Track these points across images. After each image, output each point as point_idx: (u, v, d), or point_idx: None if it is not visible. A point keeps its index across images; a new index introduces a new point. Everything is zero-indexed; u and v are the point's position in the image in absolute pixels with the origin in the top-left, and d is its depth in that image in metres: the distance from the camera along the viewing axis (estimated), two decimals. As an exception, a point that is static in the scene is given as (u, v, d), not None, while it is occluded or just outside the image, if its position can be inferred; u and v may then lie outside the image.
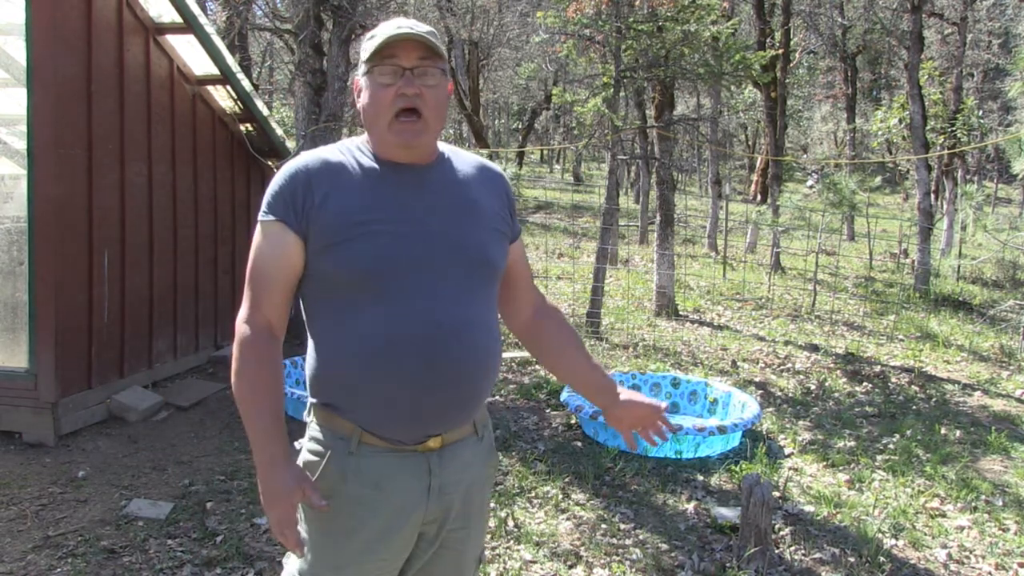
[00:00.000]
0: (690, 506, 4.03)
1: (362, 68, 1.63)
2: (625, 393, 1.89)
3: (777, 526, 3.78)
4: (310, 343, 1.65)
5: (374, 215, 1.58)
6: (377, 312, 1.56)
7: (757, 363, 7.16)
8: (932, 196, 13.46)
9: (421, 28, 1.61)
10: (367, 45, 1.62)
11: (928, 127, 14.11)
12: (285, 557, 1.76)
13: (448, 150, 1.75)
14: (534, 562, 3.38)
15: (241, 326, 1.61)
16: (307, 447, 1.66)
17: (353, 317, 1.57)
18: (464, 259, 1.63)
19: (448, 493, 1.66)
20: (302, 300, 1.67)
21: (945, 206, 17.20)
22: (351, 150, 1.66)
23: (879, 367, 7.13)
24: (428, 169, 1.67)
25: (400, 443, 1.61)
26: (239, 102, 6.36)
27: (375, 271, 1.55)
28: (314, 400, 1.67)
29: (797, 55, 22.05)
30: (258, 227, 1.63)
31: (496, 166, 1.83)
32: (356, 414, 1.60)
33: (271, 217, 1.60)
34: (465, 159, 1.77)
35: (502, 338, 1.85)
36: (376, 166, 1.64)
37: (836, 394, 6.31)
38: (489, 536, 3.58)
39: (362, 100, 1.63)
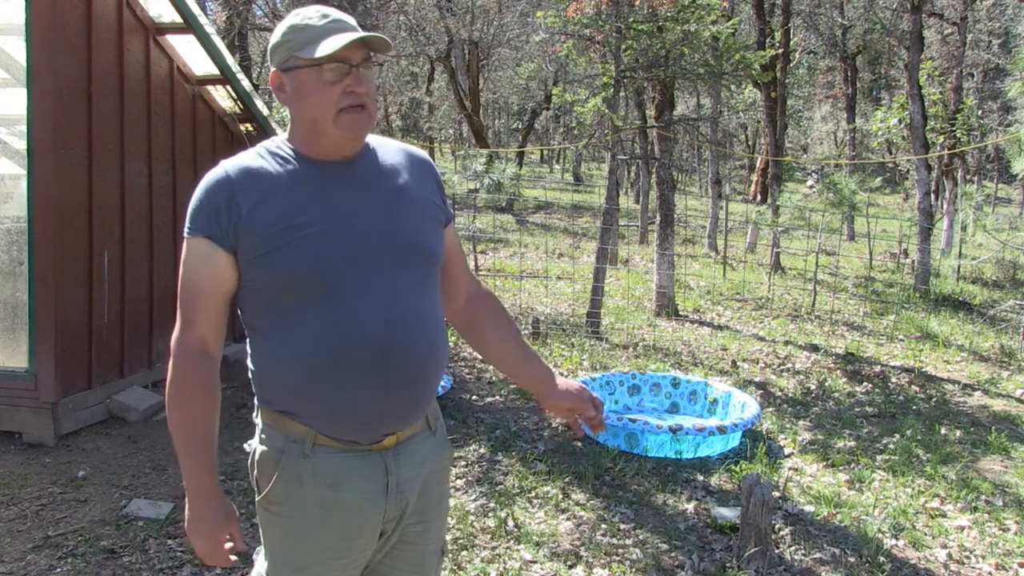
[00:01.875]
0: (690, 506, 4.03)
1: (292, 62, 1.56)
2: (564, 383, 1.88)
3: (777, 526, 3.78)
4: (251, 350, 1.62)
5: (306, 217, 1.53)
6: (322, 315, 1.53)
7: (757, 363, 7.16)
8: (932, 196, 13.46)
9: (350, 20, 1.58)
10: (304, 36, 1.55)
11: (928, 127, 14.12)
12: (255, 552, 1.76)
13: (372, 140, 1.70)
14: (534, 562, 3.38)
15: (175, 347, 1.58)
16: (259, 450, 1.63)
17: (298, 322, 1.54)
18: (403, 251, 1.60)
19: (405, 491, 1.64)
20: (240, 310, 1.63)
21: (945, 206, 17.21)
22: (271, 152, 1.61)
23: (879, 367, 7.13)
24: (355, 163, 1.63)
25: (356, 444, 1.60)
26: (239, 102, 6.36)
27: (315, 274, 1.52)
28: (262, 405, 1.63)
29: (797, 55, 22.06)
30: (184, 244, 1.59)
31: (422, 151, 1.79)
32: (309, 418, 1.57)
33: (196, 234, 1.55)
34: (390, 147, 1.72)
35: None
36: (299, 166, 1.59)
37: (836, 394, 6.31)
38: (489, 536, 3.58)
39: (296, 97, 1.57)
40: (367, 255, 1.56)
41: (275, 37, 1.61)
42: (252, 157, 1.60)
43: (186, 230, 1.57)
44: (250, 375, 1.64)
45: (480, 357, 2.02)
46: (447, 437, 1.82)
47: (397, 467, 1.63)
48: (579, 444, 4.83)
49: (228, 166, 1.58)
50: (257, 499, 1.64)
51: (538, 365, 1.89)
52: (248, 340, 1.64)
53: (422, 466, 1.68)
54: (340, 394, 1.54)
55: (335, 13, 1.58)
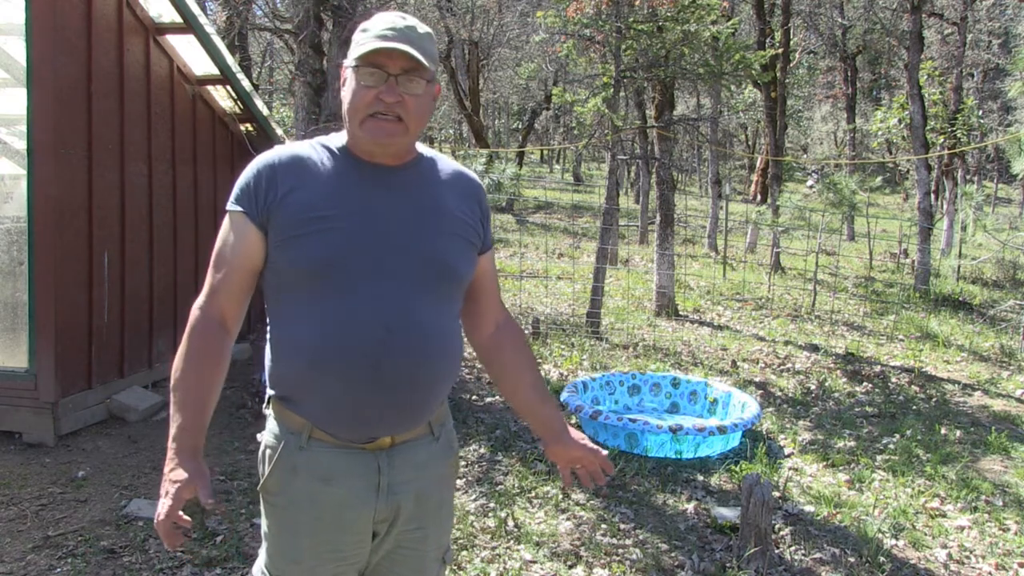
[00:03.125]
0: (690, 506, 4.03)
1: (349, 60, 1.60)
2: (574, 433, 1.86)
3: (777, 526, 3.78)
4: (269, 331, 1.66)
5: (332, 211, 1.56)
6: (327, 310, 1.55)
7: (757, 363, 7.16)
8: (932, 196, 13.46)
9: (420, 29, 1.58)
10: (359, 38, 1.59)
11: (928, 127, 14.12)
12: (261, 548, 1.77)
13: (430, 154, 1.72)
14: (534, 562, 3.38)
15: (195, 312, 1.63)
16: (264, 440, 1.68)
17: (305, 314, 1.57)
18: (423, 264, 1.60)
19: (397, 493, 1.64)
20: (264, 290, 1.67)
21: (945, 206, 17.21)
22: (325, 145, 1.65)
23: (879, 367, 7.13)
24: (400, 170, 1.65)
25: (350, 441, 1.61)
26: (239, 102, 6.36)
27: (325, 268, 1.54)
28: (271, 393, 1.67)
29: (797, 55, 22.06)
30: (226, 216, 1.64)
31: (475, 176, 1.80)
32: (306, 410, 1.61)
33: (236, 208, 1.61)
34: (445, 165, 1.74)
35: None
36: (345, 163, 1.62)
37: (836, 394, 6.31)
38: (489, 536, 3.58)
39: (344, 92, 1.62)
40: (383, 260, 1.57)
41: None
42: (304, 146, 1.66)
43: (229, 203, 1.64)
44: (265, 358, 1.67)
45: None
46: (454, 445, 1.79)
47: (390, 468, 1.63)
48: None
49: (280, 150, 1.65)
50: (259, 488, 1.68)
51: (553, 408, 1.88)
52: (269, 324, 1.67)
53: (420, 470, 1.68)
54: (334, 391, 1.57)
55: (402, 23, 1.58)
